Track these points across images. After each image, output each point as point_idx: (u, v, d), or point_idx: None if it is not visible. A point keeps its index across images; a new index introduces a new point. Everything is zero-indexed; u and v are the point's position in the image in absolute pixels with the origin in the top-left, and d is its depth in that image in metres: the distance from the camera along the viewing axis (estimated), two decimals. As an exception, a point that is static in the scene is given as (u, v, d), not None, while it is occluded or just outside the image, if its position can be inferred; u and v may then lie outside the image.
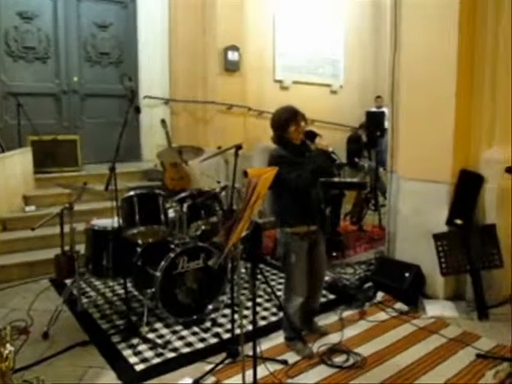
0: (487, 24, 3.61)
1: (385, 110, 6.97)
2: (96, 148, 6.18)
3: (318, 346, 3.10)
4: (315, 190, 3.00)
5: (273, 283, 4.19)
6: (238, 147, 3.02)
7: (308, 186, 2.85)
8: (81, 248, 3.75)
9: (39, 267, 4.35)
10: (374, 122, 6.10)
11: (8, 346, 1.46)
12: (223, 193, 3.78)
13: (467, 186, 3.73)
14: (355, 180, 5.80)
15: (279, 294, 3.75)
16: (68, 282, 3.95)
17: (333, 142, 6.69)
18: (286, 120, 2.90)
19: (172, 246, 3.50)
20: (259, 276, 2.32)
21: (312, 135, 2.90)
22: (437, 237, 3.69)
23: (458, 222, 3.69)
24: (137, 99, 6.50)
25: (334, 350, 3.07)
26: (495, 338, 3.23)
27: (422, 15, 3.77)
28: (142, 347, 3.10)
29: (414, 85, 3.90)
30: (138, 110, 3.27)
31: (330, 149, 2.83)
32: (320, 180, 3.05)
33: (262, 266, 4.65)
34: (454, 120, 3.64)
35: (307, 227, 2.94)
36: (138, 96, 6.70)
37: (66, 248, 3.74)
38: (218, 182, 4.16)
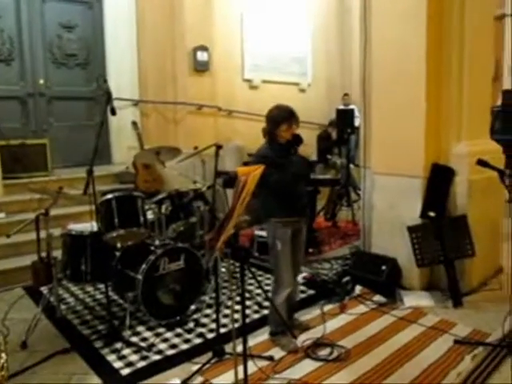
0: (453, 20, 3.74)
1: (353, 107, 7.12)
2: (65, 152, 6.04)
3: (301, 341, 3.15)
4: (299, 187, 3.08)
5: (251, 281, 4.21)
6: (218, 147, 3.03)
7: (288, 188, 2.92)
8: (57, 254, 3.66)
9: (12, 275, 4.23)
10: (344, 120, 6.21)
11: (3, 355, 1.42)
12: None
13: (439, 180, 3.86)
14: (328, 177, 5.89)
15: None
16: (44, 289, 3.86)
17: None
18: (281, 118, 2.96)
19: (152, 248, 3.48)
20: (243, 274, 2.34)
21: (298, 140, 2.94)
22: (411, 229, 3.79)
23: (431, 214, 3.80)
24: (104, 102, 6.40)
25: (318, 343, 3.12)
26: (470, 324, 3.36)
27: (391, 12, 3.87)
28: (126, 351, 3.06)
29: (384, 81, 3.99)
30: (113, 112, 3.22)
31: (313, 158, 2.91)
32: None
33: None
34: (425, 115, 3.75)
35: (290, 218, 3.02)
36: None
37: (43, 254, 3.65)
38: (195, 183, 4.15)
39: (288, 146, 2.99)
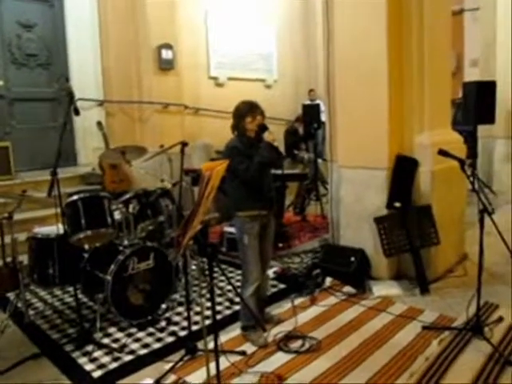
0: (412, 15, 3.84)
1: (319, 102, 7.20)
2: (29, 154, 5.91)
3: (273, 334, 3.18)
4: (267, 180, 3.13)
5: (221, 277, 4.22)
6: (184, 144, 3.03)
7: (256, 177, 2.97)
8: (23, 258, 3.58)
9: (-25, 283, 4.10)
10: (310, 115, 6.28)
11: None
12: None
13: (403, 170, 3.95)
14: (296, 171, 5.94)
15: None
16: (11, 295, 3.76)
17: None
18: (245, 111, 3.05)
19: (121, 248, 3.44)
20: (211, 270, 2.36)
21: (263, 128, 2.99)
22: (378, 220, 3.88)
23: (397, 204, 3.90)
24: (67, 103, 6.29)
25: (290, 336, 3.16)
26: (437, 310, 3.47)
27: (351, 6, 3.93)
28: (97, 353, 3.03)
29: (347, 76, 4.06)
30: (76, 112, 3.16)
31: (276, 143, 2.95)
32: (271, 171, 3.24)
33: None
34: (388, 108, 3.83)
35: (258, 211, 3.07)
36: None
37: (8, 259, 3.56)
38: (162, 181, 4.11)
39: (257, 138, 3.04)
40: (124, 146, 3.56)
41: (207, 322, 3.31)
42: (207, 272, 2.28)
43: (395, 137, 3.92)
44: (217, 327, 2.48)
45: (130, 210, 3.57)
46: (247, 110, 3.06)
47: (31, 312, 3.63)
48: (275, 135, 3.00)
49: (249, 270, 3.10)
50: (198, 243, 2.19)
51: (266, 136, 2.96)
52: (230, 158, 2.84)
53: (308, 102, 7.95)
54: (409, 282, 3.96)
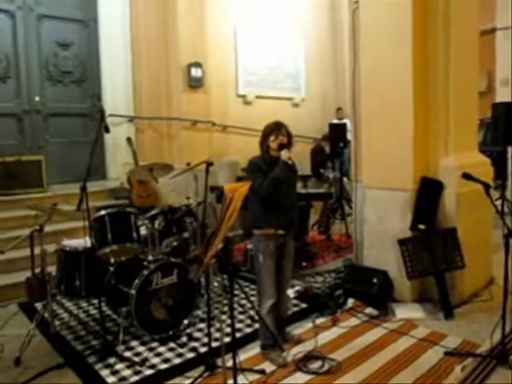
0: (439, 36, 3.84)
1: (346, 121, 7.21)
2: (60, 168, 6.09)
3: (293, 354, 3.18)
4: (287, 200, 3.16)
5: (243, 295, 4.24)
6: (209, 164, 3.11)
7: (269, 193, 3.02)
8: (51, 270, 3.69)
9: (6, 292, 4.24)
10: (337, 134, 6.29)
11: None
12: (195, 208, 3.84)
13: (428, 193, 3.92)
14: (321, 190, 5.95)
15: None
16: (38, 305, 3.88)
17: (295, 153, 6.92)
18: (270, 130, 3.17)
19: (145, 263, 3.51)
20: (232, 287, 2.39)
21: (281, 147, 3.06)
22: (402, 242, 3.85)
23: (421, 226, 3.86)
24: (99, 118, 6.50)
25: (310, 356, 3.15)
26: (461, 335, 3.40)
27: (377, 28, 3.97)
28: (119, 366, 3.09)
29: (373, 96, 4.08)
30: (107, 130, 3.29)
31: (289, 161, 3.02)
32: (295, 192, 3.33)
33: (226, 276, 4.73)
34: (413, 130, 3.83)
35: (274, 230, 3.11)
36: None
37: (37, 270, 3.68)
38: (188, 198, 4.20)
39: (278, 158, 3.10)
40: (152, 163, 3.67)
41: (227, 339, 3.34)
42: (228, 289, 2.32)
43: (420, 158, 3.91)
44: (235, 345, 2.51)
45: (156, 225, 3.65)
46: (272, 129, 3.17)
47: (57, 323, 3.74)
48: (291, 154, 3.06)
49: (263, 289, 3.14)
50: (220, 261, 2.23)
51: (283, 154, 3.03)
52: (250, 173, 2.99)
53: (335, 121, 7.97)
54: (432, 305, 3.90)
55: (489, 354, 3.03)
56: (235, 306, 3.95)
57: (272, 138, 3.13)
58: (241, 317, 3.83)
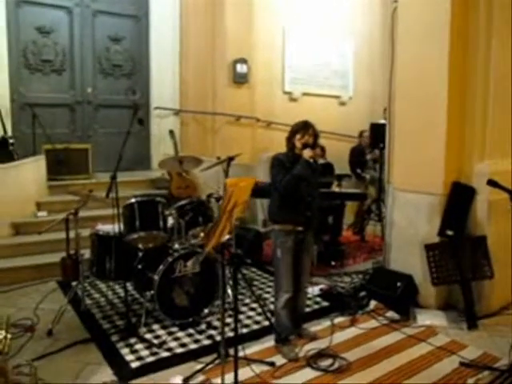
0: (479, 39, 3.73)
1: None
2: (107, 156, 6.40)
3: (306, 350, 3.23)
4: (308, 198, 3.21)
5: (269, 289, 4.33)
6: (231, 159, 3.21)
7: (288, 189, 3.08)
8: (86, 252, 3.94)
9: (48, 269, 4.55)
10: (377, 134, 6.20)
11: (2, 332, 1.65)
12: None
13: (459, 198, 3.82)
14: (354, 191, 5.89)
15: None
16: (75, 283, 4.15)
17: (341, 152, 6.87)
18: (297, 128, 3.24)
19: (171, 251, 3.67)
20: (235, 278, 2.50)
21: (304, 146, 3.11)
22: (428, 247, 3.78)
23: (450, 233, 3.78)
24: (146, 110, 6.81)
25: (322, 354, 3.18)
26: (481, 347, 3.31)
27: (413, 31, 3.91)
28: (138, 346, 3.27)
29: (407, 98, 4.02)
30: (140, 122, 3.48)
31: (311, 160, 3.09)
32: (320, 190, 3.43)
33: (255, 270, 4.83)
34: (446, 133, 3.75)
35: (293, 226, 3.17)
36: (150, 107, 6.96)
37: (72, 252, 3.94)
38: (218, 191, 4.31)
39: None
40: (181, 156, 3.81)
41: (244, 330, 3.50)
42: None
43: (452, 163, 3.82)
44: (238, 337, 2.61)
45: (183, 216, 3.79)
46: (300, 128, 3.22)
47: (88, 301, 3.98)
48: (314, 153, 3.12)
49: (280, 283, 3.22)
50: (222, 253, 2.32)
51: (305, 153, 3.08)
52: (273, 168, 3.10)
53: (382, 121, 7.82)
54: (457, 314, 3.81)
55: (508, 368, 2.93)
56: (257, 298, 4.05)
57: (298, 136, 3.19)
58: (260, 310, 3.91)
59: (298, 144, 3.19)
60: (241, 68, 6.91)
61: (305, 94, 8.24)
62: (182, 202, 3.84)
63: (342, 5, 8.51)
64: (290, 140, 3.26)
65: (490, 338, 3.47)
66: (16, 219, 5.07)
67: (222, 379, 2.60)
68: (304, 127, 3.21)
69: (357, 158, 6.67)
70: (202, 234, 3.47)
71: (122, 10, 6.64)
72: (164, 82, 6.87)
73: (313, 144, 3.18)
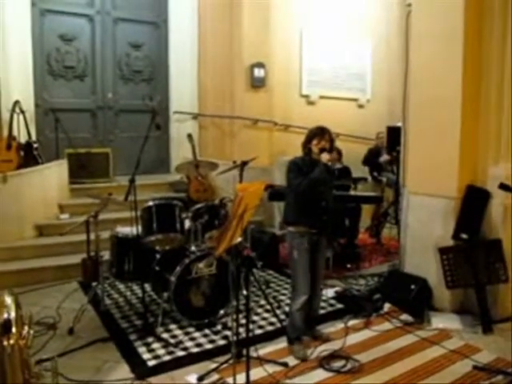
0: (493, 42, 3.72)
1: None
2: (127, 160, 6.53)
3: (319, 351, 3.27)
4: (323, 202, 3.28)
5: (285, 291, 4.39)
6: (244, 163, 3.29)
7: (306, 192, 3.14)
8: (106, 253, 4.07)
9: (70, 270, 4.69)
10: (393, 137, 6.18)
11: (26, 327, 1.75)
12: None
13: (474, 202, 3.82)
14: (370, 194, 5.91)
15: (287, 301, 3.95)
16: (95, 284, 4.28)
17: (358, 155, 6.87)
18: (314, 133, 3.31)
19: (187, 253, 3.75)
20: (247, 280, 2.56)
21: (321, 150, 3.19)
22: (443, 250, 3.79)
23: (464, 236, 3.78)
24: (166, 115, 6.94)
25: (334, 355, 3.22)
26: (496, 351, 3.29)
27: (427, 33, 3.93)
28: (155, 345, 3.36)
29: (421, 101, 4.04)
30: (158, 127, 3.58)
31: (329, 163, 3.17)
32: (335, 193, 3.49)
33: (272, 272, 4.89)
34: (460, 137, 3.75)
35: (307, 229, 3.24)
36: (169, 111, 7.10)
37: (92, 253, 4.07)
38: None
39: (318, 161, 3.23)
40: (197, 161, 3.90)
41: (259, 331, 3.57)
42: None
43: (467, 166, 3.82)
44: (249, 337, 2.69)
45: (199, 218, 3.87)
46: (316, 133, 3.30)
47: (108, 301, 4.11)
48: (331, 157, 3.18)
49: (297, 284, 3.27)
50: (232, 256, 2.39)
51: (323, 157, 3.15)
52: (290, 172, 3.19)
53: (399, 124, 7.80)
54: (472, 317, 3.80)
55: (522, 372, 2.93)
56: (272, 300, 4.10)
57: (315, 142, 3.26)
58: (277, 311, 3.96)
59: (315, 149, 3.25)
60: (258, 72, 6.99)
61: (322, 97, 8.26)
62: (198, 206, 3.93)
63: (360, 7, 8.51)
64: (306, 145, 3.33)
65: (505, 342, 3.44)
66: (39, 221, 5.25)
67: (234, 378, 2.65)
68: (321, 133, 3.28)
69: (372, 159, 6.66)
70: (215, 236, 3.52)
71: (142, 17, 6.80)
72: (183, 86, 7.01)
73: (330, 148, 3.25)
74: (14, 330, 1.66)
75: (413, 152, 4.17)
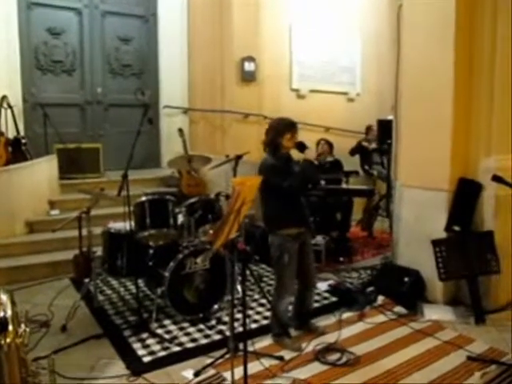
0: (484, 35, 3.74)
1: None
2: (117, 155, 6.48)
3: (314, 345, 3.28)
4: (302, 198, 3.26)
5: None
6: (239, 157, 3.26)
7: (299, 192, 3.11)
8: (98, 249, 4.02)
9: (61, 267, 4.65)
10: (384, 130, 6.21)
11: (22, 325, 1.73)
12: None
13: (466, 194, 3.85)
14: (361, 187, 5.93)
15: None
16: (87, 280, 4.24)
17: (348, 149, 6.87)
18: (285, 126, 3.14)
19: (181, 248, 3.73)
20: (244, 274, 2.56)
21: (302, 146, 3.11)
22: (435, 242, 3.81)
23: (457, 228, 3.81)
24: (156, 109, 6.89)
25: (330, 348, 3.24)
26: (489, 342, 3.33)
27: (418, 27, 3.94)
28: (150, 341, 3.34)
29: (413, 95, 4.05)
30: (150, 121, 3.54)
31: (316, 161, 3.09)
32: (327, 187, 3.37)
33: (264, 266, 4.89)
34: (452, 129, 3.77)
35: (298, 229, 3.19)
36: (159, 105, 7.04)
37: (84, 249, 4.03)
38: (227, 189, 4.39)
39: (288, 154, 3.18)
40: (190, 155, 3.87)
41: (254, 325, 3.56)
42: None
43: (459, 159, 3.84)
44: (248, 331, 2.68)
45: (193, 213, 3.85)
46: (287, 127, 3.13)
47: (101, 297, 4.07)
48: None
49: (285, 285, 3.23)
50: (231, 250, 2.38)
51: (307, 153, 3.09)
52: (272, 176, 3.00)
53: (390, 117, 7.82)
54: (465, 309, 3.83)
55: (514, 362, 2.97)
56: (266, 294, 4.11)
57: (287, 136, 3.10)
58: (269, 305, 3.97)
59: (289, 144, 3.12)
60: (249, 66, 6.95)
61: (312, 91, 8.25)
62: (192, 200, 3.91)
63: (349, 1, 8.51)
64: (274, 141, 3.14)
65: (497, 332, 3.49)
66: (30, 217, 5.19)
67: (232, 373, 2.65)
68: (292, 126, 3.13)
69: (361, 149, 6.67)
70: (210, 231, 3.51)
71: (131, 10, 6.72)
72: (173, 80, 6.96)
73: (304, 144, 3.15)
74: (10, 328, 1.63)
75: (405, 145, 4.18)
